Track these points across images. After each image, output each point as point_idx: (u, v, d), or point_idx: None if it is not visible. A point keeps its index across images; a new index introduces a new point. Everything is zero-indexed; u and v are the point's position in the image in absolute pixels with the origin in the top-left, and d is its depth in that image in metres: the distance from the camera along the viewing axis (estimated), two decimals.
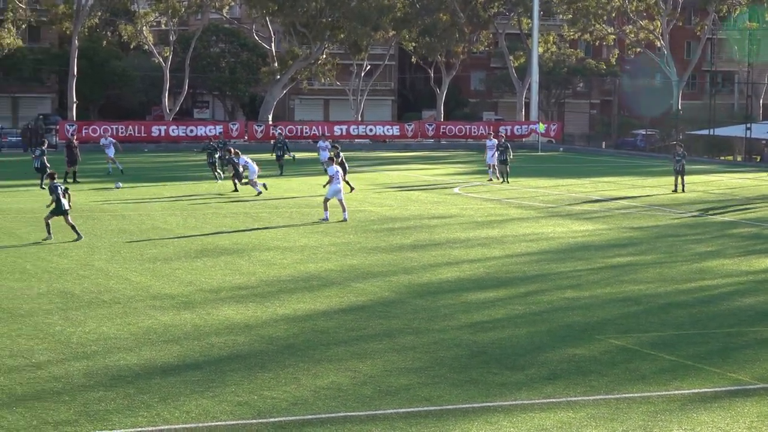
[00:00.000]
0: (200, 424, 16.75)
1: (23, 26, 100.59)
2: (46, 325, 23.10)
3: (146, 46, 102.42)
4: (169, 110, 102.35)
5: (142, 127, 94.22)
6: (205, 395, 18.19)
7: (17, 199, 47.92)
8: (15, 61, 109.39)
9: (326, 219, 41.16)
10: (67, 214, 35.53)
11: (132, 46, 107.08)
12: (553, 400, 18.35)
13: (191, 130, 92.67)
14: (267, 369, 19.89)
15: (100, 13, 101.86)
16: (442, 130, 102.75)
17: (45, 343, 21.51)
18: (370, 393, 18.52)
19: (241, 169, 51.20)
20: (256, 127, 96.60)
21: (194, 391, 18.41)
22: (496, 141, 62.30)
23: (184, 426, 16.63)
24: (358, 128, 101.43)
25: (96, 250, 33.55)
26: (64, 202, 35.32)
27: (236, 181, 51.72)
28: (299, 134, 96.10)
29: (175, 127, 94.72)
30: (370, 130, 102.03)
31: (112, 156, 62.23)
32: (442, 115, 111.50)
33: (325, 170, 45.28)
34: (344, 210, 41.64)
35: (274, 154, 64.81)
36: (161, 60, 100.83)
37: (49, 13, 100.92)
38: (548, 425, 17.03)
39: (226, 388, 18.58)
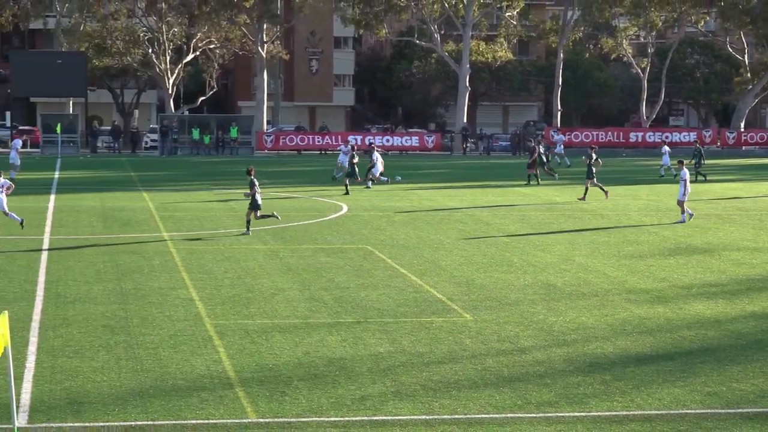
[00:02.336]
0: (671, 411, 16.57)
1: (514, 41, 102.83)
2: (530, 314, 23.51)
3: (625, 58, 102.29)
4: (646, 117, 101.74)
5: (621, 133, 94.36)
6: (677, 384, 17.98)
7: (503, 198, 49.02)
8: (506, 72, 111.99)
9: (684, 221, 40.22)
10: (259, 209, 35.26)
11: (612, 58, 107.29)
12: None
13: (666, 137, 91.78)
14: (736, 362, 19.42)
15: (583, 28, 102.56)
16: None
17: (529, 330, 21.90)
18: None
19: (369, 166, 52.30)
20: (728, 134, 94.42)
21: (666, 380, 18.24)
22: None
23: (656, 412, 16.52)
24: None
25: (577, 247, 33.84)
26: (259, 197, 35.27)
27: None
28: None
29: (651, 133, 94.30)
30: None
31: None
32: None
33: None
34: (682, 212, 40.49)
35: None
36: (639, 71, 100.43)
37: (537, 29, 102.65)
38: None
39: (696, 379, 18.29)
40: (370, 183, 54.14)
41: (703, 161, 60.55)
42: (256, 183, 35.20)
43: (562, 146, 74.96)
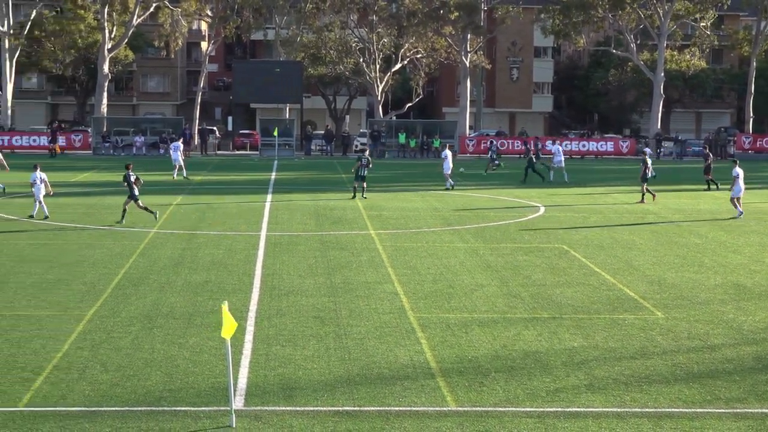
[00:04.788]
0: None
1: (707, 50, 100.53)
2: (720, 313, 22.97)
3: None
4: None
5: None
6: None
7: (694, 201, 47.98)
8: (699, 80, 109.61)
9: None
10: (138, 199, 36.65)
11: None
12: None
13: None
14: None
15: None
16: None
17: (719, 329, 21.39)
18: None
19: None
20: None
21: None
22: None
23: None
24: None
25: (767, 249, 32.88)
26: (135, 188, 36.57)
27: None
28: None
29: None
30: None
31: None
32: None
33: None
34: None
35: None
36: None
37: (731, 38, 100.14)
38: None
39: None
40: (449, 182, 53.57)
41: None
42: (132, 177, 36.90)
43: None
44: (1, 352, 18.75)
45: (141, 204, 37.25)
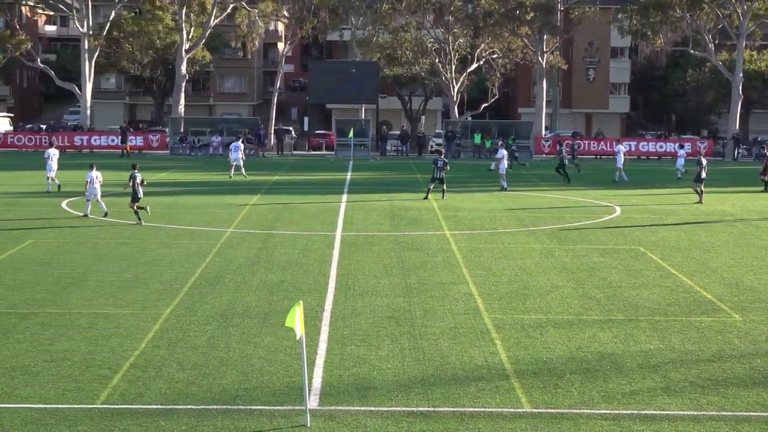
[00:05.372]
0: None
1: None
2: None
3: None
4: None
5: None
6: None
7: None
8: None
9: None
10: (138, 201, 36.59)
11: None
12: None
13: None
14: None
15: None
16: None
17: None
18: None
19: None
20: None
21: None
22: None
23: None
24: None
25: None
26: (139, 189, 36.56)
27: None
28: None
29: None
30: None
31: None
32: None
33: None
34: None
35: None
36: None
37: None
38: None
39: None
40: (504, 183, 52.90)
41: None
42: (138, 177, 36.90)
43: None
44: (80, 349, 19.01)
45: (135, 206, 37.24)
